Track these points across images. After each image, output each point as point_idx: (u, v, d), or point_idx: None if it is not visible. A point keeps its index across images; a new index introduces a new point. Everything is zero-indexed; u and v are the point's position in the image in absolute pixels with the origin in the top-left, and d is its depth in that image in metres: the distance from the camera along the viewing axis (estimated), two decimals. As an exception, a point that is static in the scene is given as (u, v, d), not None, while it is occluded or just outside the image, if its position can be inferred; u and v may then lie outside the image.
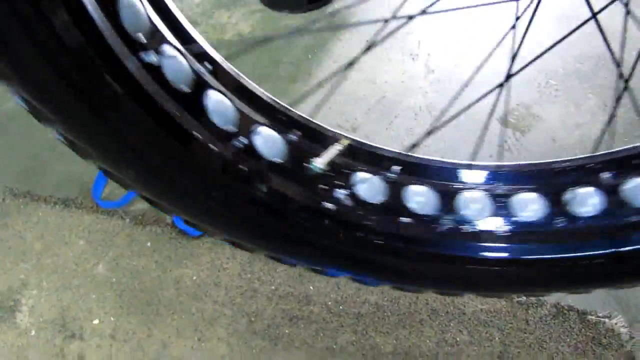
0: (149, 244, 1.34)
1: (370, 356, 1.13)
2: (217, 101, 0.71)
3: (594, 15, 0.58)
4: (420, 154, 0.83)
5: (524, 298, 1.18)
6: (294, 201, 0.77)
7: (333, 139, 0.79)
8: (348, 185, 0.78)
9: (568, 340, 1.14)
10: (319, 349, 1.15)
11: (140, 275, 1.29)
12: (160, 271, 1.29)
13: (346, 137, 0.79)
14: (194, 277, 1.27)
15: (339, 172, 0.78)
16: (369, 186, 0.78)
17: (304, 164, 0.77)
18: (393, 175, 0.80)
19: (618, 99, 0.67)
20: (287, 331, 1.18)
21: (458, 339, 1.14)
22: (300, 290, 1.23)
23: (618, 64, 0.69)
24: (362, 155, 0.81)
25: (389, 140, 1.49)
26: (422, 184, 0.81)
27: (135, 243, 1.34)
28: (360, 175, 0.78)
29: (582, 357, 1.12)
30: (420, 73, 1.68)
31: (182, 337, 1.19)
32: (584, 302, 1.19)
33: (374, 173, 0.79)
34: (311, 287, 1.23)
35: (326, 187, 0.77)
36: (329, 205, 0.77)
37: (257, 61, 1.77)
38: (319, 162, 0.75)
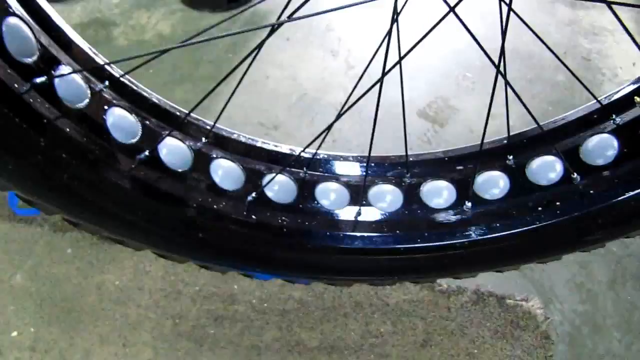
0: (69, 250, 1.30)
1: (296, 352, 1.13)
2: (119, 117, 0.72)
3: (451, 9, 0.59)
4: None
5: (445, 286, 1.21)
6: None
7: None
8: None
9: (488, 324, 1.17)
10: (245, 347, 1.14)
11: (61, 283, 1.25)
12: (82, 278, 1.26)
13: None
14: (117, 282, 1.24)
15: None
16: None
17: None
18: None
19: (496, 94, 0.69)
20: (212, 331, 1.17)
21: (382, 330, 1.15)
22: (224, 290, 1.22)
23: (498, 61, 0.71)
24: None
25: (310, 137, 1.49)
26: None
27: (54, 250, 1.30)
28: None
29: (502, 340, 1.15)
30: (341, 69, 1.70)
31: (106, 344, 1.16)
32: (502, 287, 1.23)
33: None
34: (235, 287, 1.22)
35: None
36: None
37: (177, 62, 1.75)
38: None
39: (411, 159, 0.86)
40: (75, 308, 1.21)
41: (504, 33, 0.61)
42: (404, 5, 0.60)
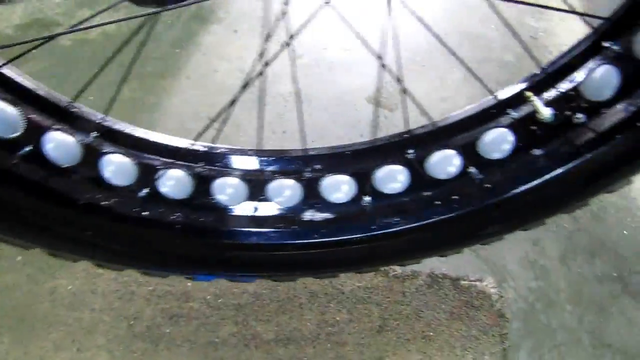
0: (19, 258, 1.28)
1: (253, 346, 1.12)
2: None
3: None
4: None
5: (400, 271, 1.21)
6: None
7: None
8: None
9: (443, 306, 1.17)
10: (201, 344, 1.13)
11: (11, 292, 1.22)
12: (33, 285, 1.23)
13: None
14: (69, 287, 1.22)
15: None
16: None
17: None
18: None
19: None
20: (168, 330, 1.15)
21: (338, 318, 1.15)
22: (178, 288, 1.20)
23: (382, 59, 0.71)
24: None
25: (260, 128, 1.48)
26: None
27: (3, 259, 1.27)
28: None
29: (457, 321, 1.16)
30: (289, 60, 1.69)
31: (60, 350, 1.14)
32: (457, 269, 1.24)
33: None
34: (189, 284, 1.21)
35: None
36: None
37: (123, 60, 1.72)
38: None
39: (312, 152, 0.85)
40: (27, 316, 1.18)
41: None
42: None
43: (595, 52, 0.73)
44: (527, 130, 0.77)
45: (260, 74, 0.72)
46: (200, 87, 1.61)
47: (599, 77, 0.71)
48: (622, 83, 0.71)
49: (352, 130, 1.48)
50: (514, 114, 0.77)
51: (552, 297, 1.23)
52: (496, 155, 0.79)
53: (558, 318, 1.19)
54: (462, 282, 1.21)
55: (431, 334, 1.14)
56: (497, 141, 0.78)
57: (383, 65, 0.73)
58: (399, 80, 0.74)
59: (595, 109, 0.73)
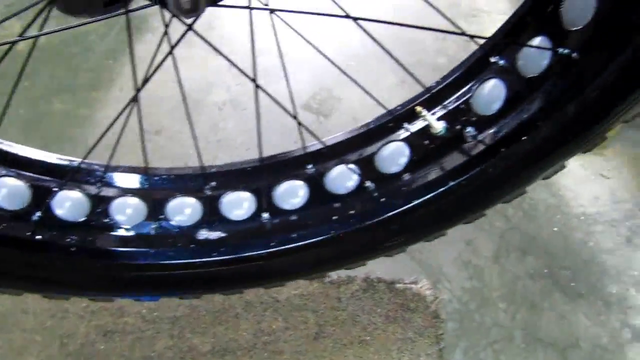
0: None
1: (189, 358, 1.11)
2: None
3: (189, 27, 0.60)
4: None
5: (335, 276, 1.22)
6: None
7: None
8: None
9: (379, 310, 1.18)
10: (137, 359, 1.12)
11: (-63, 317, 1.19)
12: (-39, 308, 1.20)
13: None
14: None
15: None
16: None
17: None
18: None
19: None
20: (102, 347, 1.13)
21: (274, 327, 1.15)
22: (113, 303, 1.18)
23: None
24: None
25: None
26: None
27: None
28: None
29: (393, 324, 1.17)
30: (224, 68, 1.68)
31: (-10, 374, 1.11)
32: (392, 272, 1.25)
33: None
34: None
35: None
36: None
37: (53, 71, 1.69)
38: None
39: (213, 170, 0.84)
40: (-45, 341, 1.15)
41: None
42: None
43: (484, 68, 0.75)
44: (421, 144, 0.78)
45: (135, 99, 0.71)
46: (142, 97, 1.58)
47: (486, 91, 0.73)
48: (508, 97, 0.73)
49: (286, 137, 1.48)
50: (410, 128, 0.78)
51: (486, 295, 1.25)
52: (393, 169, 0.80)
53: (492, 316, 1.22)
54: (398, 285, 1.22)
55: (367, 338, 1.15)
56: (394, 155, 0.79)
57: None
58: (254, 81, 0.74)
59: (485, 122, 0.75)
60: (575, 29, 0.65)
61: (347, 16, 0.63)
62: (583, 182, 1.51)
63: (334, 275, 1.22)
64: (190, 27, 0.59)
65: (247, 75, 0.66)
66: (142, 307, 1.18)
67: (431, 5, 0.71)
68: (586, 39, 0.64)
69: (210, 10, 1.86)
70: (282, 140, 1.47)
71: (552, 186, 1.48)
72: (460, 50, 1.86)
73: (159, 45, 0.63)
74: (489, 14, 2.05)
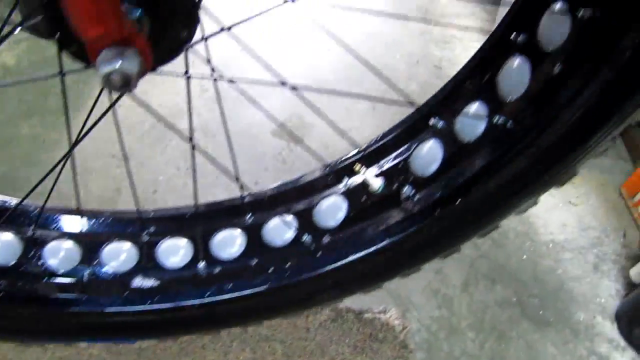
0: None
1: (155, 391, 1.10)
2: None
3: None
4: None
5: (304, 306, 1.21)
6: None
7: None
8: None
9: (347, 340, 1.18)
10: (100, 393, 1.10)
11: None
12: None
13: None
14: (-40, 339, 1.16)
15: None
16: None
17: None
18: None
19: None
20: (65, 380, 1.11)
21: (241, 358, 1.13)
22: (77, 334, 1.17)
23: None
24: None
25: (164, 165, 1.46)
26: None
27: None
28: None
29: (361, 355, 1.16)
30: (195, 93, 1.67)
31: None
32: (360, 301, 1.24)
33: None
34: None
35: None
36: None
37: (23, 95, 1.67)
38: None
39: (151, 214, 0.83)
40: None
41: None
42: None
43: (423, 129, 0.76)
44: (359, 200, 0.79)
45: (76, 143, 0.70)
46: (103, 123, 1.57)
47: (424, 152, 0.74)
48: (445, 160, 0.74)
49: (257, 164, 1.48)
50: (349, 183, 0.79)
51: (455, 325, 1.25)
52: (330, 223, 0.80)
53: (460, 346, 1.22)
54: (366, 315, 1.22)
55: (335, 369, 1.14)
56: (332, 209, 0.79)
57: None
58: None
59: (422, 182, 0.76)
60: (510, 99, 0.67)
61: (284, 84, 0.63)
62: (552, 209, 1.53)
63: (302, 304, 1.21)
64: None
65: (184, 136, 0.65)
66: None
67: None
68: (520, 110, 0.66)
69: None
70: (252, 167, 1.47)
71: (523, 214, 1.49)
72: (432, 77, 1.88)
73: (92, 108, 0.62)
74: (461, 41, 2.07)
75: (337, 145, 1.54)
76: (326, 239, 0.79)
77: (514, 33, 0.64)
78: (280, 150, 1.55)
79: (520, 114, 0.65)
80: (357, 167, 0.76)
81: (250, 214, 0.81)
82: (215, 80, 0.67)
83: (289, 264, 0.80)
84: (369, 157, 0.78)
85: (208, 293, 0.79)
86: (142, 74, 0.50)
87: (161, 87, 1.68)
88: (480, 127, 0.69)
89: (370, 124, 1.64)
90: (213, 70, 0.68)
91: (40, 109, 1.63)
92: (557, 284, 1.36)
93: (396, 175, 0.76)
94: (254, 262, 0.81)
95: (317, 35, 1.91)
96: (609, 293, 1.35)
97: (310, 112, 1.64)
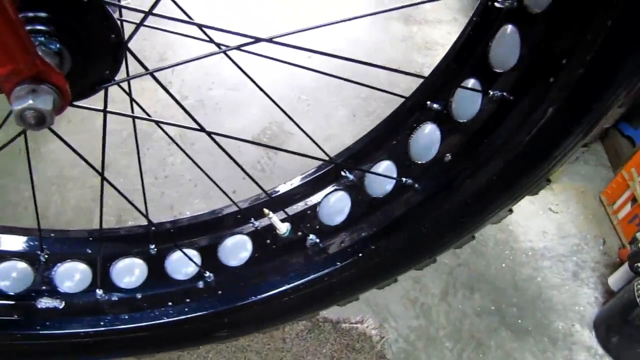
0: None
1: (128, 404, 1.08)
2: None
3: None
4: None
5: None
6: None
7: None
8: None
9: (324, 351, 1.17)
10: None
11: None
12: None
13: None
14: None
15: None
16: None
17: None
18: None
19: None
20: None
21: (217, 370, 1.13)
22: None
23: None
24: None
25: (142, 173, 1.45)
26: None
27: None
28: None
29: (338, 366, 1.15)
30: (173, 101, 1.66)
31: None
32: (338, 311, 1.23)
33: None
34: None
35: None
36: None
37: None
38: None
39: (52, 234, 0.80)
40: None
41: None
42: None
43: (334, 180, 0.76)
44: (264, 242, 0.78)
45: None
46: (80, 131, 1.56)
47: (332, 203, 0.75)
48: (351, 213, 0.75)
49: (235, 172, 1.46)
50: (256, 224, 0.78)
51: (433, 334, 1.24)
52: (233, 262, 0.79)
53: (438, 356, 1.21)
54: (343, 325, 1.21)
55: (312, 380, 1.13)
56: (236, 248, 0.79)
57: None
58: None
59: (327, 232, 0.76)
60: (420, 162, 0.70)
61: (202, 130, 0.62)
62: (532, 216, 1.52)
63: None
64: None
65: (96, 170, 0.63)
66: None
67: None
68: (425, 172, 0.69)
69: (162, 42, 1.84)
70: (230, 175, 1.46)
71: (501, 222, 1.49)
72: (414, 83, 1.87)
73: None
74: (443, 47, 2.07)
75: (316, 154, 1.53)
76: (227, 278, 0.78)
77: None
78: (259, 159, 1.54)
79: (427, 178, 0.69)
80: (266, 212, 0.76)
81: (155, 244, 0.79)
82: (133, 118, 0.65)
83: (188, 299, 0.79)
84: (281, 201, 0.78)
85: (102, 323, 0.77)
86: (58, 110, 0.48)
87: (141, 95, 1.66)
88: (389, 185, 0.72)
89: (349, 131, 1.64)
90: (133, 108, 0.66)
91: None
92: (536, 292, 1.35)
93: (304, 223, 0.76)
94: (154, 293, 0.79)
95: (298, 42, 1.90)
96: (587, 301, 1.35)
97: (289, 119, 1.64)
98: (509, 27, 0.58)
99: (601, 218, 1.54)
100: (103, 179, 0.64)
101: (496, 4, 0.58)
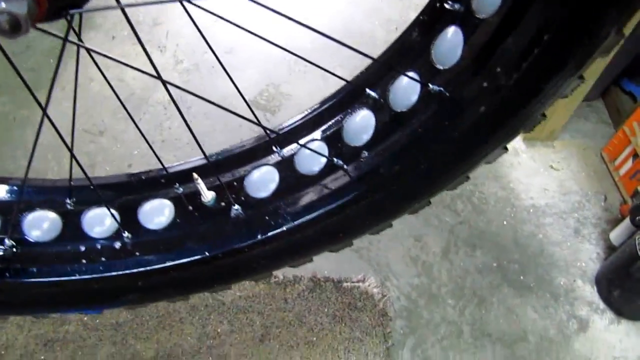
0: None
1: (132, 366, 1.09)
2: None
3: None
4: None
5: (282, 277, 1.20)
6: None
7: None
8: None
9: (326, 310, 1.17)
10: (77, 369, 1.09)
11: None
12: None
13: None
14: None
15: None
16: None
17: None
18: None
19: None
20: (42, 357, 1.09)
21: (219, 330, 1.12)
22: (52, 311, 1.15)
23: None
24: None
25: (138, 139, 1.43)
26: None
27: None
28: None
29: (340, 324, 1.15)
30: (169, 65, 1.64)
31: None
32: (339, 271, 1.23)
33: None
34: (62, 307, 1.15)
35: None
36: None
37: (-7, 71, 1.63)
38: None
39: (76, 183, 0.77)
40: None
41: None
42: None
43: (266, 154, 0.75)
44: (186, 208, 0.76)
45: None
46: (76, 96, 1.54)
47: (256, 177, 0.74)
48: (278, 188, 0.73)
49: (233, 135, 1.46)
50: (180, 189, 0.76)
51: (435, 292, 1.24)
52: (151, 225, 0.77)
53: (440, 313, 1.21)
54: (345, 284, 1.21)
55: (314, 339, 1.13)
56: (155, 211, 0.77)
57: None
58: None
59: (251, 204, 0.74)
60: (355, 145, 0.70)
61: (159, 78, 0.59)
62: (533, 174, 1.51)
63: (280, 275, 1.20)
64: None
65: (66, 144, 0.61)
66: (83, 315, 1.14)
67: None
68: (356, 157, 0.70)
69: (156, 7, 1.81)
70: (228, 138, 1.45)
71: (502, 179, 1.48)
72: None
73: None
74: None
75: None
76: (145, 240, 0.77)
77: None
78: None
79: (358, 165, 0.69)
80: (195, 176, 0.74)
81: (75, 198, 0.77)
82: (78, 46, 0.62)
83: (103, 258, 0.77)
84: (210, 169, 0.76)
85: (7, 273, 0.76)
86: (34, 18, 0.46)
87: (136, 60, 1.64)
88: (320, 164, 0.71)
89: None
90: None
91: (11, 85, 1.60)
92: (537, 249, 1.35)
93: (230, 192, 0.74)
94: (66, 249, 0.77)
95: (295, 3, 1.87)
96: (589, 257, 1.34)
97: (287, 80, 1.62)
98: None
99: (602, 175, 1.54)
100: (43, 116, 0.60)
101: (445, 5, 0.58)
